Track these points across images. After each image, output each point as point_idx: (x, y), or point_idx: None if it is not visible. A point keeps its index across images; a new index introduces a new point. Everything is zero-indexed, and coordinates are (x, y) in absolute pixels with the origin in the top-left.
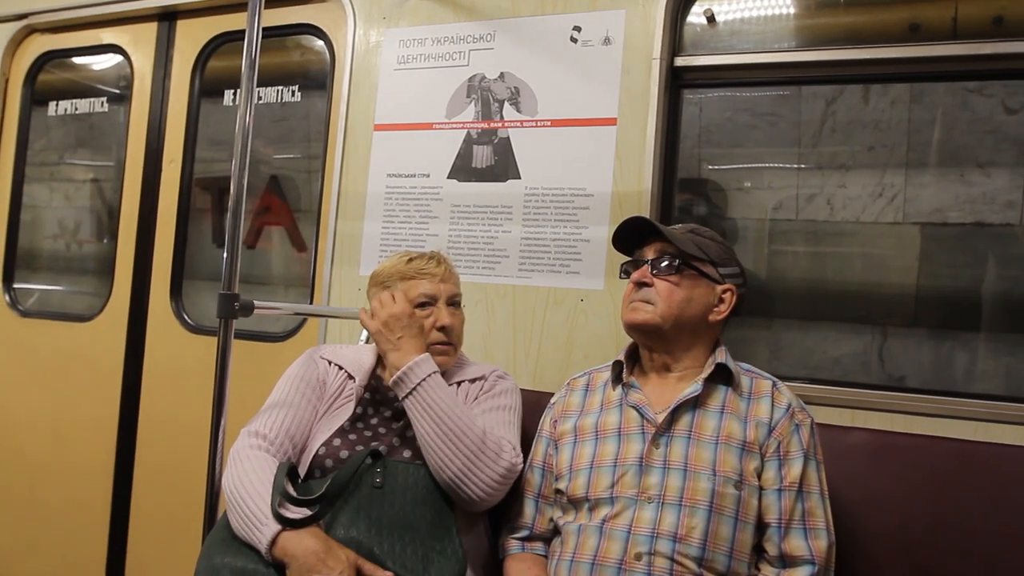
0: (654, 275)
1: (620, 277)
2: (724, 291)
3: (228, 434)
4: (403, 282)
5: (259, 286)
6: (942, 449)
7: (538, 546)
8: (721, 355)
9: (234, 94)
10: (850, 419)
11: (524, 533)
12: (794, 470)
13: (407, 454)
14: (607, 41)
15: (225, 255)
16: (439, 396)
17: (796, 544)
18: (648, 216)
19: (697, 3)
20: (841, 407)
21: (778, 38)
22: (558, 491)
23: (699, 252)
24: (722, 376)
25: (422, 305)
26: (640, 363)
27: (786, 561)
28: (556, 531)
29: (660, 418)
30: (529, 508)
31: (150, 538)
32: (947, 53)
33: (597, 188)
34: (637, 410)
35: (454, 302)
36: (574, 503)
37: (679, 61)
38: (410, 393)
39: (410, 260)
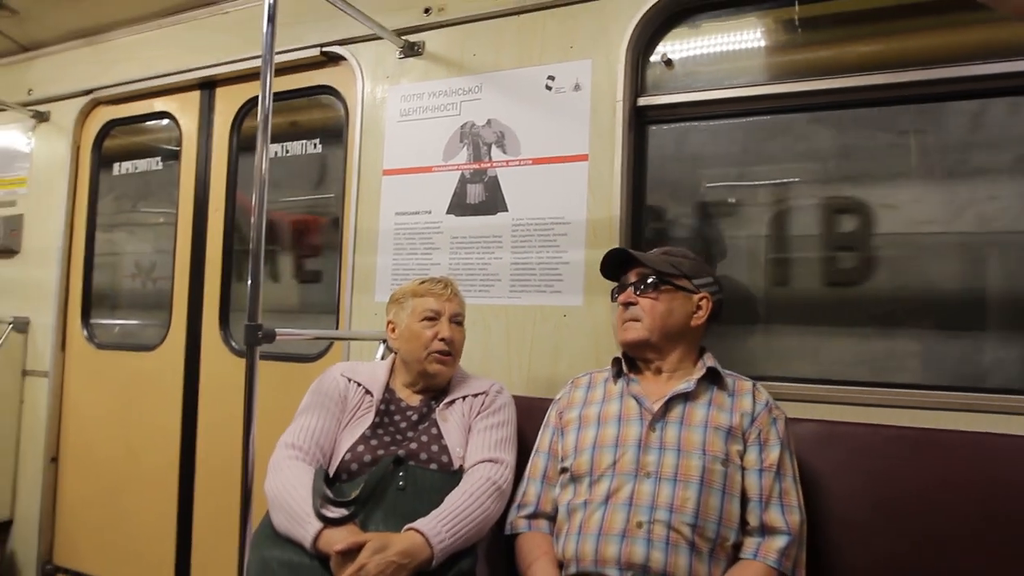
0: (637, 295)
1: (612, 301)
2: (700, 299)
3: (260, 441)
4: (414, 299)
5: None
6: (884, 436)
7: (543, 524)
8: (710, 360)
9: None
10: (802, 411)
11: (530, 510)
12: (773, 454)
13: (424, 457)
14: (577, 87)
15: (249, 290)
16: (455, 527)
17: (775, 516)
18: (618, 240)
19: (658, 48)
20: (795, 400)
21: (728, 75)
22: (563, 469)
23: (673, 269)
24: (709, 378)
25: (428, 319)
26: (635, 364)
27: (766, 530)
28: (558, 510)
29: (656, 407)
30: (534, 488)
31: (211, 533)
32: (891, 81)
33: (573, 217)
34: (637, 399)
35: (457, 320)
36: (577, 479)
37: (641, 101)
38: (445, 545)
39: (422, 282)
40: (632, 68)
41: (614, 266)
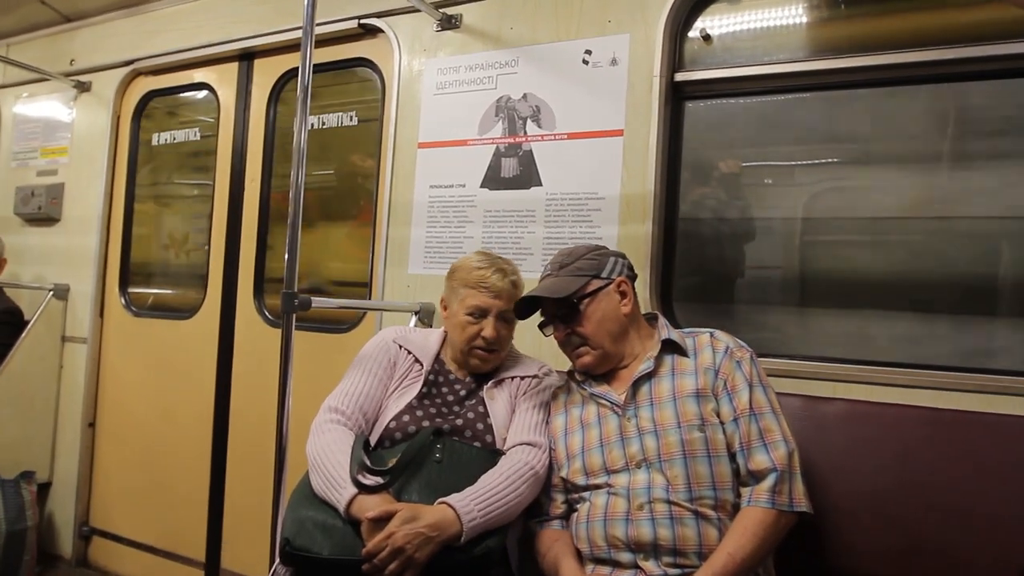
0: (568, 326)
1: (543, 333)
2: (619, 286)
3: (295, 408)
4: (465, 288)
5: None
6: (911, 416)
7: (555, 523)
8: (664, 331)
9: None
10: (830, 391)
11: (542, 518)
12: (743, 399)
13: (468, 434)
14: (614, 62)
15: (286, 260)
16: (487, 507)
17: (760, 459)
18: (651, 216)
19: (696, 23)
20: (822, 380)
21: (769, 51)
22: (562, 478)
23: (579, 283)
24: (667, 348)
25: (475, 314)
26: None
27: (755, 476)
28: (571, 509)
29: (622, 397)
30: (543, 498)
31: (243, 499)
32: (931, 58)
33: (607, 192)
34: (603, 398)
35: (506, 317)
36: (575, 484)
37: (679, 76)
38: (476, 523)
39: (479, 267)
40: (670, 43)
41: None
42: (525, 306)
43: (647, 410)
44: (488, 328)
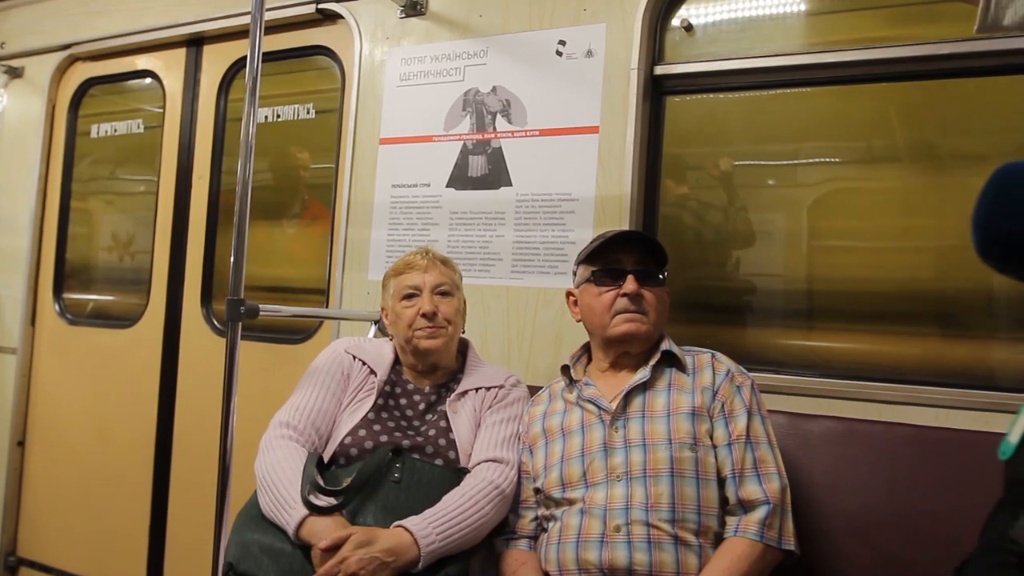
0: (642, 286)
1: (594, 283)
2: (667, 293)
3: (240, 425)
4: (395, 278)
5: None
6: (901, 435)
7: (522, 543)
8: (665, 343)
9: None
10: (815, 407)
11: (508, 535)
12: (740, 424)
13: (429, 451)
14: (589, 53)
15: (232, 263)
16: (447, 530)
17: (752, 489)
18: (628, 220)
19: (678, 12)
20: (807, 396)
21: (756, 43)
22: (536, 490)
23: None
24: (666, 360)
25: (408, 296)
26: (591, 362)
27: (745, 506)
28: (540, 528)
29: (613, 405)
30: (511, 515)
31: (187, 524)
32: (919, 53)
33: (582, 193)
34: (592, 403)
35: (441, 291)
36: (551, 496)
37: (659, 70)
38: (434, 547)
39: (404, 258)
40: (649, 34)
41: (607, 247)
42: (611, 244)
43: (637, 423)
44: (425, 302)
